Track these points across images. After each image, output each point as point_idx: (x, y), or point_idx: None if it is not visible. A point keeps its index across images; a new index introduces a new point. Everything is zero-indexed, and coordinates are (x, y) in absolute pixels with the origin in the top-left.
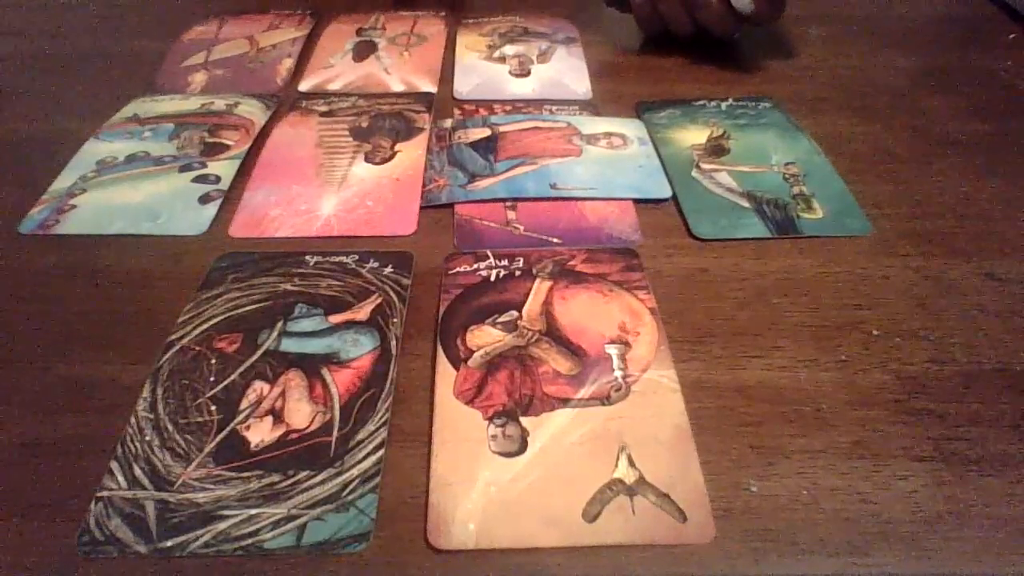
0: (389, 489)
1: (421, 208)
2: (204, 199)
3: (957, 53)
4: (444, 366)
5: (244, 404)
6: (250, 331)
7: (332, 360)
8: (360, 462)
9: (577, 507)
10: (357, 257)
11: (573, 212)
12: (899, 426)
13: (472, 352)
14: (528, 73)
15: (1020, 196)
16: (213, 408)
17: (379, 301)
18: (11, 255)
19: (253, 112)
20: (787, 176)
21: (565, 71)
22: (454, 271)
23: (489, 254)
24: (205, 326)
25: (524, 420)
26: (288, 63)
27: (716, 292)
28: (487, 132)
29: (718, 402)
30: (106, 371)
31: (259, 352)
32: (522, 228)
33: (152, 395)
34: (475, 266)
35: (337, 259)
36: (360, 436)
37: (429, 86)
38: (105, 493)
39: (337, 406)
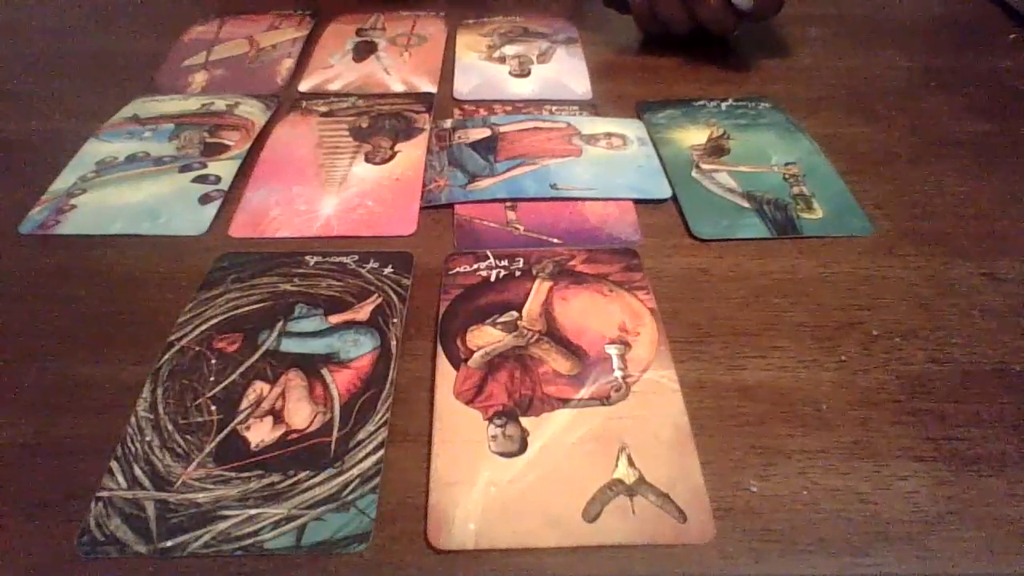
0: (389, 489)
1: (421, 208)
2: (204, 199)
3: (957, 53)
4: (444, 366)
5: (244, 404)
6: (250, 331)
7: (332, 360)
8: (360, 462)
9: (577, 507)
10: (357, 257)
11: (573, 212)
12: (899, 426)
13: (472, 352)
14: (528, 73)
15: (1020, 196)
16: (213, 408)
17: (379, 301)
18: (11, 255)
19: (253, 112)
20: (787, 176)
21: (565, 71)
22: (454, 271)
23: (489, 254)
24: (205, 326)
25: (524, 420)
26: (288, 63)
27: (716, 292)
28: (487, 132)
29: (718, 402)
30: (106, 371)
31: (259, 352)
32: (522, 228)
33: (152, 395)
34: (475, 266)
35: (337, 259)
36: (360, 436)
37: (429, 86)
38: (105, 493)
39: (337, 406)
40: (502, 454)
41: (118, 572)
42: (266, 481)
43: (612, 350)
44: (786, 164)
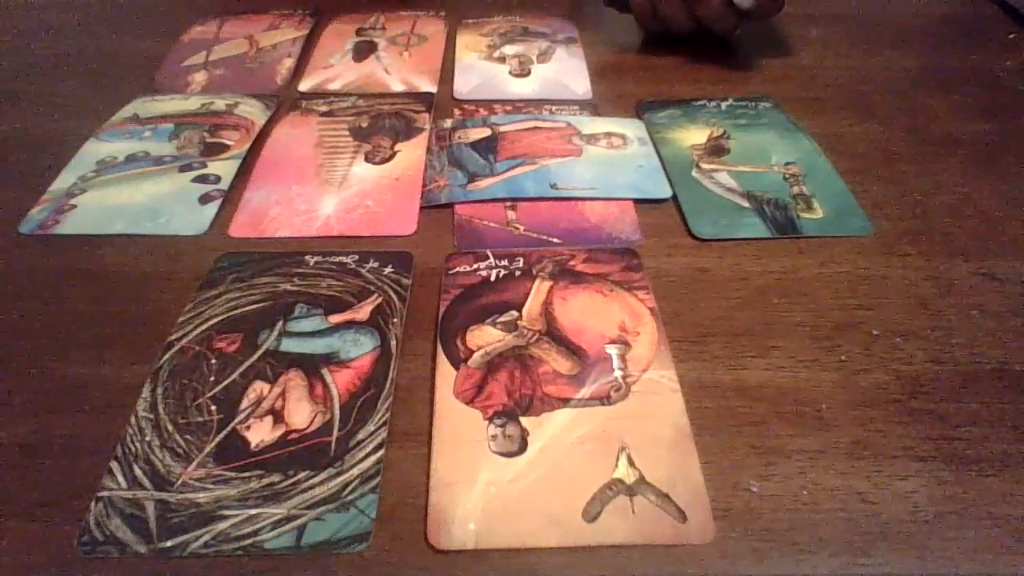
0: (389, 489)
1: (421, 208)
2: (204, 199)
3: (957, 53)
4: (444, 366)
5: (244, 404)
6: (250, 331)
7: (332, 360)
8: (360, 462)
9: (577, 507)
10: (357, 257)
11: (573, 212)
12: (899, 426)
13: (472, 352)
14: (528, 73)
15: (1020, 196)
16: (213, 408)
17: (379, 301)
18: (11, 255)
19: (253, 112)
20: (787, 176)
21: (565, 71)
22: (454, 271)
23: (489, 254)
24: (205, 326)
25: (524, 420)
26: (288, 63)
27: (716, 292)
28: (487, 132)
29: (718, 402)
30: (106, 371)
31: (259, 352)
32: (522, 228)
33: (152, 395)
34: (475, 266)
35: (337, 259)
36: (360, 436)
37: (429, 86)
38: (105, 493)
39: (337, 406)
40: (502, 454)
41: (118, 572)
42: (266, 481)
43: (612, 350)
44: (786, 164)
